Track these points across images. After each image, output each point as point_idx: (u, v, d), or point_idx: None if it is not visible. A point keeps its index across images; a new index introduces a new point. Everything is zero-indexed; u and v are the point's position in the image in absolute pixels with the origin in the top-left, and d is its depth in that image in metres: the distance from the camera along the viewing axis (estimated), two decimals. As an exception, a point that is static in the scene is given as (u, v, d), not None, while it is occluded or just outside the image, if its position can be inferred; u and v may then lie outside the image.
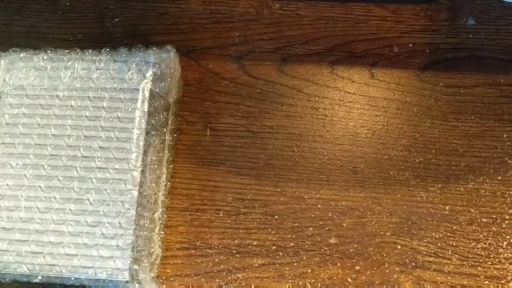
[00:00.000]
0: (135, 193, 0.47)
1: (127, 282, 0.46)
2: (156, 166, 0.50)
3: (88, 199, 0.47)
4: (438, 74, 0.55)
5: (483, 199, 0.52)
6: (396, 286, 0.51)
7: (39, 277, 0.46)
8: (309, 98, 0.55)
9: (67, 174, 0.48)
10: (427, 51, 0.55)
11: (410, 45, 0.56)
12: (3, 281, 0.47)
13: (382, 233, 0.52)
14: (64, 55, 0.51)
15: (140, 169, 0.48)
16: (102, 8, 0.59)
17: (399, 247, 0.51)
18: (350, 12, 0.57)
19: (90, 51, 0.52)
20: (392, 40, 0.56)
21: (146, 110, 0.49)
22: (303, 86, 0.56)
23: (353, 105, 0.55)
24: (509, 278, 0.50)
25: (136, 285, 0.47)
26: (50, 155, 0.49)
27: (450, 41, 0.55)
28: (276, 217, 0.53)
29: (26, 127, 0.49)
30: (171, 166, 0.54)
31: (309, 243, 0.52)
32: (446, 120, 0.54)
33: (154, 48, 0.51)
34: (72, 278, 0.46)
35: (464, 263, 0.51)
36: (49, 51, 0.52)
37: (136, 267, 0.46)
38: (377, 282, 0.51)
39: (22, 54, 0.52)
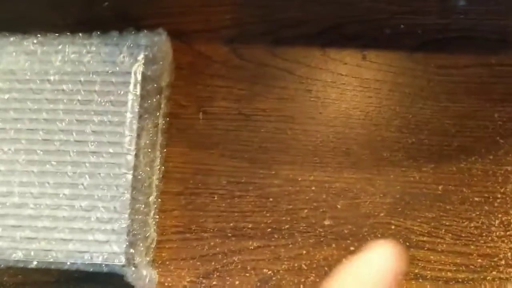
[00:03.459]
0: (130, 176, 0.47)
1: (123, 266, 0.46)
2: (149, 150, 0.50)
3: (82, 184, 0.47)
4: (429, 55, 0.55)
5: (475, 179, 0.52)
6: (391, 265, 0.51)
7: (35, 263, 0.46)
8: (301, 80, 0.55)
9: (60, 158, 0.48)
10: (419, 32, 0.55)
11: (402, 26, 0.56)
12: (-2, 267, 0.47)
13: (376, 214, 0.52)
14: (54, 39, 0.51)
15: (134, 152, 0.48)
16: (91, -8, 0.58)
17: (393, 227, 0.52)
18: (341, -7, 0.57)
19: (80, 34, 0.51)
20: (383, 22, 0.56)
21: (138, 93, 0.49)
22: (295, 69, 0.56)
23: (346, 87, 0.55)
24: (501, 256, 0.51)
25: (133, 268, 0.47)
26: (43, 140, 0.48)
27: (441, 22, 0.56)
28: (271, 199, 0.53)
29: (18, 112, 0.49)
30: (165, 150, 0.53)
31: (304, 225, 0.52)
32: (438, 100, 0.54)
33: (146, 31, 0.51)
34: (68, 263, 0.46)
35: (457, 242, 0.51)
36: (39, 35, 0.51)
37: (132, 251, 0.46)
38: (371, 262, 0.51)
39: (11, 38, 0.51)
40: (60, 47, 0.50)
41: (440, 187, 0.52)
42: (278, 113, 0.55)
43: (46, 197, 0.47)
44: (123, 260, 0.46)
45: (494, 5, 0.56)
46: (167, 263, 0.52)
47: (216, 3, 0.57)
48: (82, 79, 0.49)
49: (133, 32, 0.50)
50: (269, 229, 0.52)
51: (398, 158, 0.53)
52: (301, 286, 0.51)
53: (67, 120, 0.48)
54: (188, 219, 0.53)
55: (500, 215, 0.52)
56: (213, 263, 0.52)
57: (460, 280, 0.51)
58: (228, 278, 0.52)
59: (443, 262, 0.51)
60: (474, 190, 0.52)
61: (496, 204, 0.52)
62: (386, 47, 0.56)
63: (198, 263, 0.52)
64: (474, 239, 0.51)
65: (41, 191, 0.47)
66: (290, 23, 0.56)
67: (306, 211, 0.52)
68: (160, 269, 0.52)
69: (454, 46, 0.55)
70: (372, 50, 0.56)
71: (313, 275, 0.51)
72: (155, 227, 0.51)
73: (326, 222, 0.52)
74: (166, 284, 0.52)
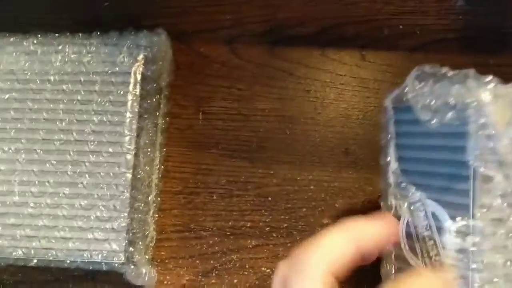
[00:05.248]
0: (129, 175, 0.47)
1: (122, 264, 0.46)
2: (149, 149, 0.50)
3: (82, 183, 0.48)
4: (428, 56, 0.55)
5: (473, 178, 0.53)
6: (388, 265, 0.51)
7: (35, 261, 0.47)
8: (300, 80, 0.56)
9: (60, 158, 0.48)
10: (417, 32, 0.56)
11: (400, 26, 0.56)
12: (-1, 265, 0.47)
13: (374, 213, 0.52)
14: (54, 39, 0.51)
15: (134, 152, 0.48)
16: (91, -8, 0.58)
17: (391, 226, 0.52)
18: (340, -6, 0.57)
19: (80, 34, 0.51)
20: (382, 22, 0.56)
21: (138, 93, 0.49)
22: (294, 69, 0.56)
23: (345, 87, 0.55)
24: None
25: (132, 267, 0.47)
26: (43, 140, 0.49)
27: (440, 22, 0.56)
28: (269, 198, 0.53)
29: (18, 112, 0.49)
30: (164, 149, 0.54)
31: (302, 224, 0.52)
32: (436, 101, 0.54)
33: (145, 31, 0.51)
34: (68, 261, 0.47)
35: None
36: (39, 35, 0.51)
37: (131, 249, 0.47)
38: (369, 261, 0.52)
39: (11, 39, 0.51)
40: (60, 47, 0.50)
41: (438, 187, 0.53)
42: (277, 113, 0.55)
43: (46, 196, 0.47)
44: (122, 258, 0.46)
45: (492, 5, 0.56)
46: (166, 261, 0.52)
47: (215, 3, 0.57)
48: (82, 79, 0.50)
49: (132, 32, 0.51)
50: (267, 228, 0.53)
51: (396, 158, 0.53)
52: (300, 285, 0.51)
53: (67, 119, 0.49)
54: (187, 218, 0.53)
55: (497, 215, 0.52)
56: (212, 262, 0.52)
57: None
58: (227, 276, 0.52)
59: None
60: (472, 189, 0.52)
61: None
62: (384, 48, 0.56)
63: (197, 261, 0.52)
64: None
65: (41, 190, 0.48)
66: (289, 23, 0.57)
67: (304, 210, 0.53)
68: (159, 268, 0.52)
69: (452, 47, 0.55)
70: (371, 51, 0.56)
71: (312, 274, 0.51)
72: (154, 226, 0.52)
73: (325, 221, 0.52)
74: (165, 282, 0.52)
